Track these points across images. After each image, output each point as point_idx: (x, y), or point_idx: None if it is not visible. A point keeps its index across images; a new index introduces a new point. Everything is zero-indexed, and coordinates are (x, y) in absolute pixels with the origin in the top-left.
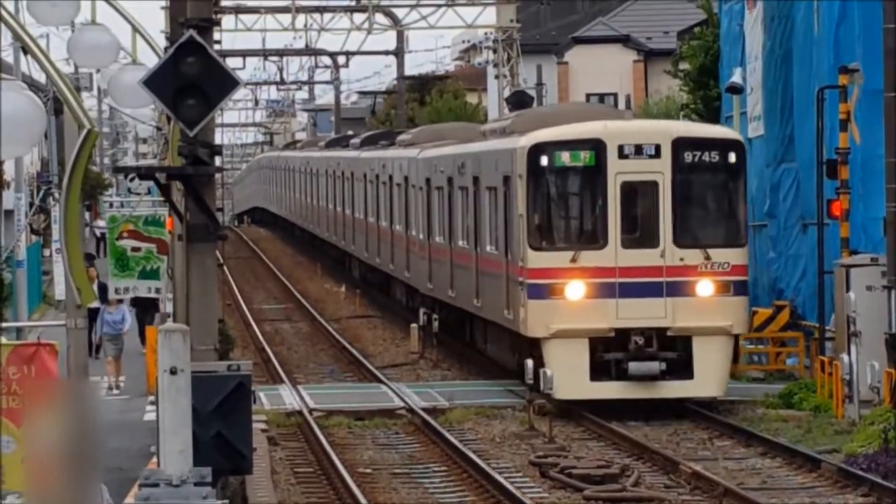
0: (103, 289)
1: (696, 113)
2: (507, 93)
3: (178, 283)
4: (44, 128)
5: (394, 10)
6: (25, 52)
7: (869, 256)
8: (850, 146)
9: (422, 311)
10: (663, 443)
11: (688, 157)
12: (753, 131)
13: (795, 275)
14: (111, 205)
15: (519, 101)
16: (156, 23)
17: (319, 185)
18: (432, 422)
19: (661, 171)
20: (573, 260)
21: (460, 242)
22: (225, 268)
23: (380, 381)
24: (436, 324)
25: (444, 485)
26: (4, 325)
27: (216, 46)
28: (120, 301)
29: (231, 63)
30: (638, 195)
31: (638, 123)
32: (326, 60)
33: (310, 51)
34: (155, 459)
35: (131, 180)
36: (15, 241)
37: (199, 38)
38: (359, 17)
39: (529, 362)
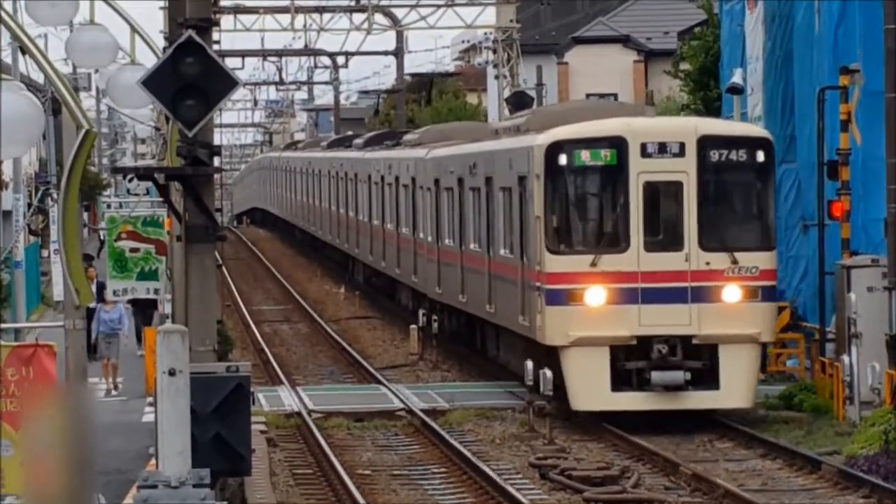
0: (100, 287)
1: (697, 114)
2: (506, 93)
3: (176, 284)
4: (42, 128)
5: (393, 10)
6: (24, 53)
7: (870, 257)
8: (850, 147)
9: (421, 312)
10: (663, 444)
11: (714, 155)
12: None
13: (796, 276)
14: (109, 205)
15: (519, 101)
16: (154, 23)
17: (322, 186)
18: (432, 423)
19: (685, 171)
20: (593, 264)
21: (472, 245)
22: (224, 268)
23: (379, 382)
24: (435, 325)
25: (444, 486)
26: (3, 325)
27: (215, 47)
28: (115, 301)
29: (230, 63)
30: (661, 196)
31: (661, 121)
32: (326, 61)
33: (309, 51)
34: (153, 461)
35: (130, 181)
36: (13, 241)
37: (197, 39)
38: (358, 18)
39: (529, 363)
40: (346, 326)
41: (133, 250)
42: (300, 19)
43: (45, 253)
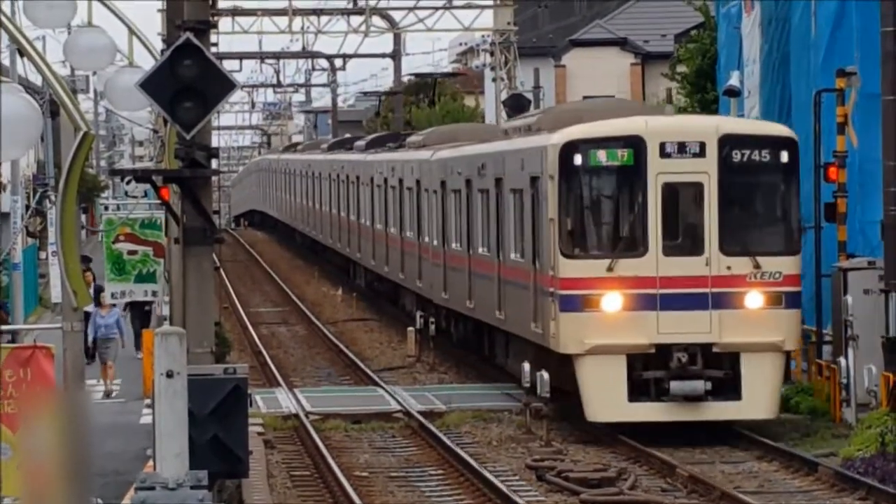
0: (97, 291)
1: None
2: (504, 96)
3: (174, 287)
4: (40, 130)
5: (391, 12)
6: (22, 55)
7: (866, 260)
8: (847, 149)
9: (418, 314)
10: (660, 446)
11: (736, 155)
12: None
13: None
14: (107, 207)
15: (516, 104)
16: (152, 25)
17: (322, 189)
18: (429, 425)
19: (706, 172)
20: (610, 269)
21: (480, 249)
22: (222, 271)
23: (376, 384)
24: (432, 327)
25: (441, 488)
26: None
27: (213, 49)
28: (113, 305)
29: (228, 65)
30: (681, 197)
31: (681, 119)
32: (323, 63)
33: (306, 53)
34: (151, 463)
35: (128, 183)
36: (11, 243)
37: (195, 41)
38: (356, 20)
39: (526, 365)
40: (344, 329)
41: (131, 252)
42: (298, 22)
43: (42, 255)
